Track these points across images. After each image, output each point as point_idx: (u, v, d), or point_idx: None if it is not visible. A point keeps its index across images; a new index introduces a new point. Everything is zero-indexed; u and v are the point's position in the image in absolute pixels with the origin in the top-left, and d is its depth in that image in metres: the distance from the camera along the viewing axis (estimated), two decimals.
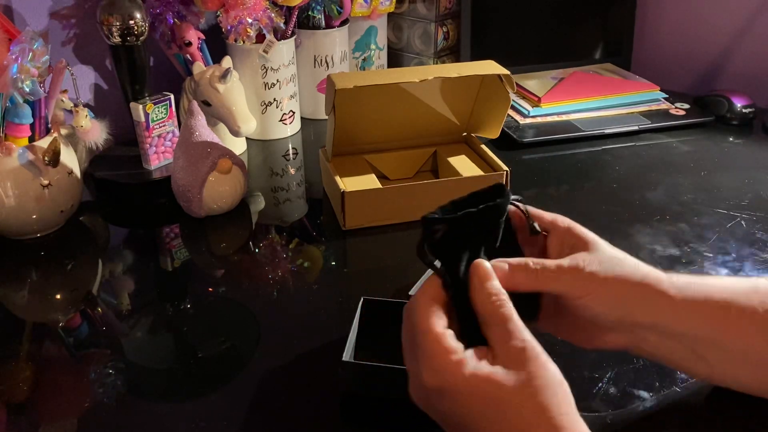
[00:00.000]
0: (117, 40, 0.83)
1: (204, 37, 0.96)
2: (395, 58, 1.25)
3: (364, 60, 1.17)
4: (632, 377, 0.54)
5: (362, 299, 0.57)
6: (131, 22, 0.83)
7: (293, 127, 1.06)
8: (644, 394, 0.52)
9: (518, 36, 1.22)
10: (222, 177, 0.78)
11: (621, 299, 0.44)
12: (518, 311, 0.41)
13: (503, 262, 0.44)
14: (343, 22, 1.08)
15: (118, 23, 0.82)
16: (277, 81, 1.00)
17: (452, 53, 1.23)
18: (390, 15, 1.19)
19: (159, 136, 0.86)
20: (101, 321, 0.64)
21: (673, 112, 1.08)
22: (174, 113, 0.87)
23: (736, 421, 0.47)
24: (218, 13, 0.95)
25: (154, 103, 0.84)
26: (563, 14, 1.22)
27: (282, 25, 0.97)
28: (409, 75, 0.77)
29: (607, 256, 0.45)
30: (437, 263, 0.43)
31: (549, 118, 1.06)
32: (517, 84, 0.99)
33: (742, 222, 0.78)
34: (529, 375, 0.37)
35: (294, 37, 1.02)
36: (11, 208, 0.72)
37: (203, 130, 0.79)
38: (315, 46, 1.06)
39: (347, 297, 0.66)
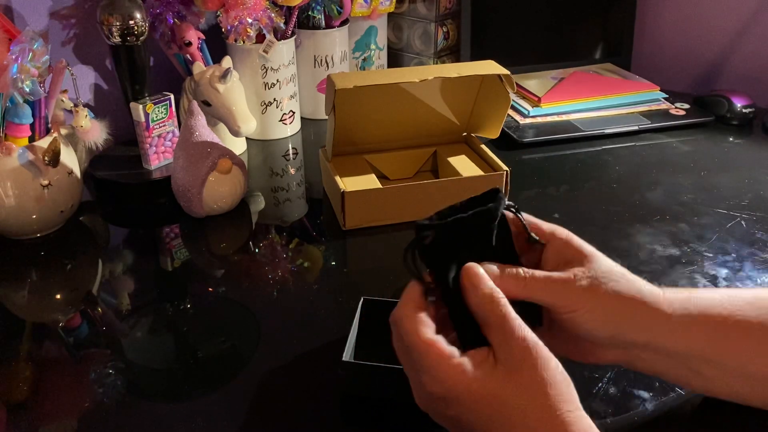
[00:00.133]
0: (117, 40, 0.83)
1: (204, 37, 0.96)
2: (395, 58, 1.25)
3: (364, 60, 1.17)
4: (632, 377, 0.54)
5: (362, 299, 0.57)
6: (131, 22, 0.83)
7: (293, 127, 1.06)
8: (644, 394, 0.52)
9: (518, 36, 1.22)
10: (222, 177, 0.78)
11: (614, 316, 0.43)
12: (521, 316, 0.40)
13: (494, 266, 0.43)
14: (343, 22, 1.08)
15: (118, 23, 0.82)
16: (277, 81, 1.00)
17: (452, 53, 1.23)
18: (390, 15, 1.19)
19: (159, 136, 0.86)
20: (101, 321, 0.64)
21: (673, 112, 1.08)
22: (174, 113, 0.87)
23: (736, 422, 0.47)
24: (218, 13, 0.95)
25: (154, 103, 0.84)
26: (563, 14, 1.22)
27: (282, 25, 0.97)
28: (409, 75, 0.77)
29: (603, 272, 0.43)
30: (421, 269, 0.43)
31: (549, 118, 1.06)
32: (517, 84, 0.99)
33: (742, 222, 0.78)
34: (533, 375, 0.37)
35: (294, 37, 1.02)
36: (11, 208, 0.72)
37: (203, 130, 0.79)
38: (315, 46, 1.06)
39: (347, 297, 0.66)
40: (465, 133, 0.90)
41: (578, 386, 0.39)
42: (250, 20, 0.92)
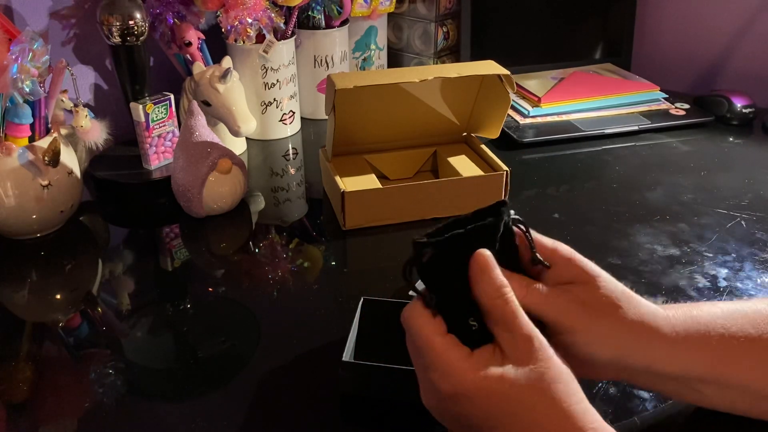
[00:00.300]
0: (117, 40, 0.83)
1: (204, 37, 0.96)
2: (395, 58, 1.25)
3: (364, 60, 1.17)
4: None
5: (362, 299, 0.57)
6: (131, 22, 0.83)
7: (293, 127, 1.06)
8: (644, 394, 0.52)
9: (518, 36, 1.22)
10: (222, 177, 0.78)
11: (614, 341, 0.42)
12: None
13: (498, 276, 0.41)
14: (343, 22, 1.08)
15: (118, 23, 0.82)
16: (277, 81, 1.00)
17: (452, 53, 1.23)
18: (390, 15, 1.19)
19: (159, 136, 0.86)
20: (101, 321, 0.64)
21: (673, 112, 1.08)
22: (174, 113, 0.87)
23: (737, 422, 0.47)
24: (218, 13, 0.95)
25: (154, 103, 0.84)
26: (563, 14, 1.22)
27: (282, 25, 0.97)
28: (409, 75, 0.77)
29: (606, 295, 0.42)
30: (418, 285, 0.42)
31: (549, 118, 1.06)
32: (517, 84, 0.99)
33: (742, 222, 0.78)
34: (539, 369, 0.38)
35: (294, 37, 1.02)
36: (11, 208, 0.72)
37: (203, 130, 0.79)
38: (315, 46, 1.06)
39: (347, 297, 0.66)
40: (465, 133, 0.90)
41: None
42: (250, 20, 0.92)
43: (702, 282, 0.67)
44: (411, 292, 0.63)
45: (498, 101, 0.83)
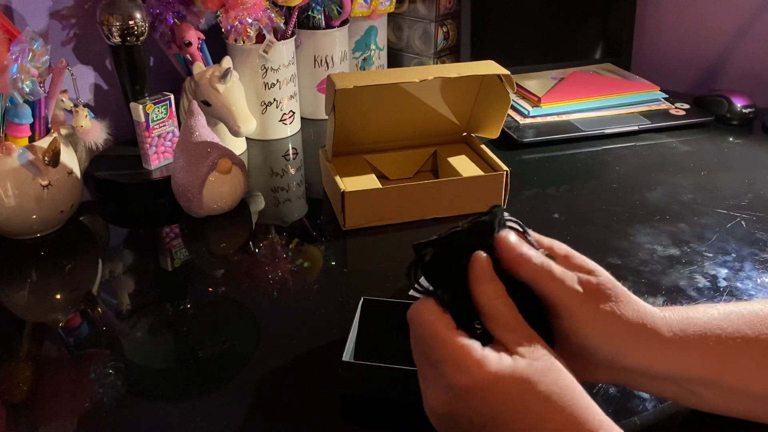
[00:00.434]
0: (117, 40, 0.83)
1: (204, 37, 0.96)
2: (395, 58, 1.25)
3: (364, 60, 1.17)
4: None
5: (362, 299, 0.57)
6: (131, 22, 0.83)
7: (293, 127, 1.06)
8: (644, 394, 0.52)
9: (518, 36, 1.22)
10: (222, 177, 0.78)
11: (614, 338, 0.42)
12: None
13: (518, 242, 0.42)
14: (343, 22, 1.08)
15: (118, 23, 0.82)
16: (277, 81, 1.00)
17: (452, 53, 1.23)
18: (390, 15, 1.19)
19: (159, 136, 0.86)
20: (101, 321, 0.64)
21: (673, 112, 1.08)
22: (174, 113, 0.87)
23: (737, 422, 0.47)
24: (218, 13, 0.95)
25: (154, 103, 0.84)
26: (563, 14, 1.22)
27: (282, 25, 0.97)
28: (409, 75, 0.77)
29: (606, 287, 0.43)
30: (420, 286, 0.43)
31: (549, 118, 1.06)
32: (517, 84, 0.99)
33: (742, 222, 0.78)
34: (547, 364, 0.38)
35: (294, 37, 1.02)
36: (11, 208, 0.72)
37: (203, 130, 0.79)
38: (315, 46, 1.06)
39: (347, 297, 0.66)
40: (465, 133, 0.90)
41: None
42: (250, 20, 0.92)
43: (702, 282, 0.67)
44: (411, 292, 0.63)
45: (498, 101, 0.83)
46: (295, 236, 0.79)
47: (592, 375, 0.45)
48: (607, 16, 1.23)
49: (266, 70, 0.98)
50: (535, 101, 1.07)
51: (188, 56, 0.95)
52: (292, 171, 0.96)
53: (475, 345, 0.39)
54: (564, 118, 1.06)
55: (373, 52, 1.17)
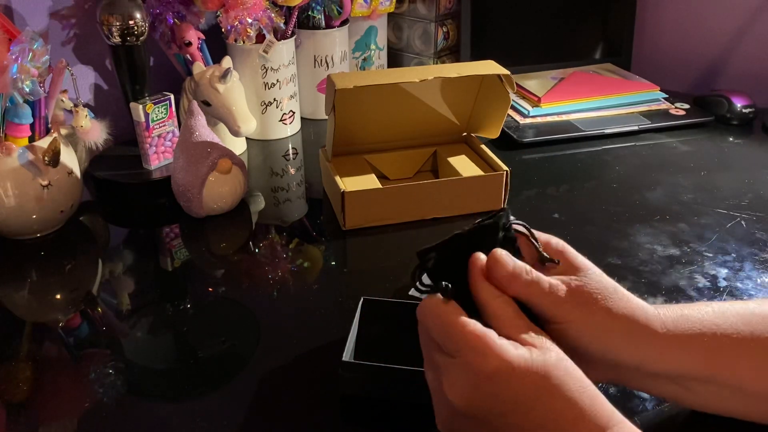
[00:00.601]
0: (117, 40, 0.83)
1: (204, 37, 0.96)
2: (395, 58, 1.25)
3: (364, 60, 1.17)
4: None
5: (362, 299, 0.57)
6: (131, 22, 0.83)
7: (293, 127, 1.06)
8: (644, 394, 0.52)
9: (518, 36, 1.22)
10: (222, 177, 0.78)
11: (605, 334, 0.43)
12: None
13: (510, 259, 0.43)
14: (343, 22, 1.08)
15: (118, 23, 0.82)
16: (277, 81, 1.00)
17: (452, 53, 1.23)
18: (390, 15, 1.19)
19: (159, 136, 0.86)
20: (101, 321, 0.64)
21: (673, 112, 1.08)
22: (174, 113, 0.87)
23: (738, 423, 0.47)
24: (218, 13, 0.95)
25: (154, 103, 0.84)
26: (563, 14, 1.22)
27: (282, 25, 0.97)
28: (409, 75, 0.77)
29: (595, 286, 0.43)
30: (422, 284, 0.43)
31: (549, 118, 1.06)
32: (517, 84, 0.99)
33: (742, 222, 0.78)
34: (557, 354, 0.39)
35: (294, 37, 1.02)
36: (11, 208, 0.72)
37: (203, 130, 0.79)
38: (315, 46, 1.06)
39: (347, 297, 0.66)
40: (465, 133, 0.90)
41: None
42: (250, 20, 0.92)
43: (702, 282, 0.67)
44: (411, 292, 0.64)
45: (498, 101, 0.83)
46: (295, 236, 0.78)
47: (585, 373, 0.45)
48: (607, 16, 1.23)
49: (266, 70, 0.98)
50: (535, 101, 1.07)
51: (188, 56, 0.95)
52: (292, 171, 0.96)
53: (493, 333, 0.39)
54: (564, 118, 1.06)
55: (373, 52, 1.17)
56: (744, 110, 1.05)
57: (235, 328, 0.63)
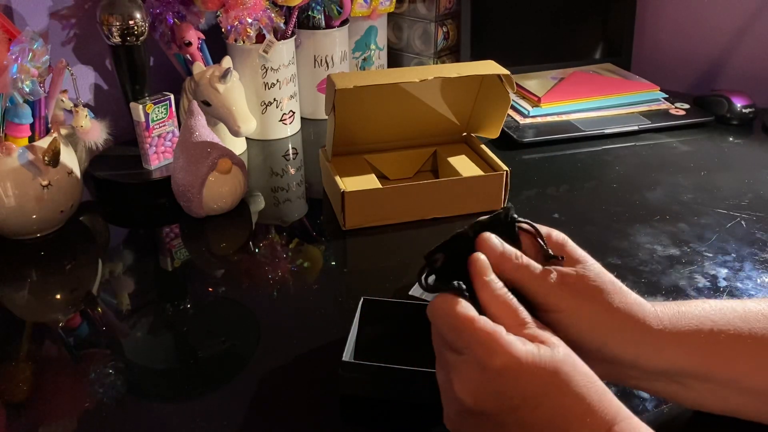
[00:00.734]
0: (117, 40, 0.83)
1: (204, 37, 0.96)
2: (395, 58, 1.25)
3: (364, 60, 1.17)
4: None
5: (362, 299, 0.57)
6: (131, 22, 0.83)
7: (293, 127, 1.06)
8: (644, 394, 0.52)
9: (518, 36, 1.22)
10: (222, 177, 0.78)
11: (601, 327, 0.43)
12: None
13: (499, 243, 0.44)
14: (343, 22, 1.08)
15: (118, 23, 0.82)
16: (277, 81, 1.00)
17: (452, 53, 1.23)
18: (390, 15, 1.19)
19: (159, 136, 0.86)
20: (101, 321, 0.64)
21: (673, 112, 1.08)
22: (174, 113, 0.87)
23: (738, 423, 0.47)
24: (218, 13, 0.95)
25: (154, 103, 0.84)
26: (563, 14, 1.22)
27: (282, 25, 0.97)
28: (409, 75, 0.77)
29: (592, 279, 0.43)
30: (414, 290, 0.44)
31: (549, 118, 1.06)
32: (517, 84, 0.99)
33: (742, 222, 0.78)
34: (564, 349, 0.39)
35: (294, 37, 1.02)
36: (11, 208, 0.72)
37: (203, 130, 0.79)
38: (315, 46, 1.06)
39: (347, 297, 0.66)
40: (465, 133, 0.90)
41: None
42: (250, 20, 0.92)
43: (702, 282, 0.67)
44: (411, 292, 0.64)
45: (498, 101, 0.83)
46: (295, 236, 0.78)
47: None
48: (607, 16, 1.23)
49: (266, 70, 0.98)
50: (535, 101, 1.07)
51: (188, 56, 0.95)
52: (292, 171, 0.96)
53: (501, 329, 0.39)
54: (564, 118, 1.06)
55: (373, 52, 1.17)
56: (744, 110, 1.05)
57: (235, 328, 0.63)
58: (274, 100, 1.01)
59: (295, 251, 0.75)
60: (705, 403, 0.46)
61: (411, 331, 0.53)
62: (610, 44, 1.25)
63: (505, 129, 1.00)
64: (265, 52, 0.96)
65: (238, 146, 0.98)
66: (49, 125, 0.76)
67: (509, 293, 0.42)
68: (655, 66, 1.26)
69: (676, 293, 0.65)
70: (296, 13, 1.01)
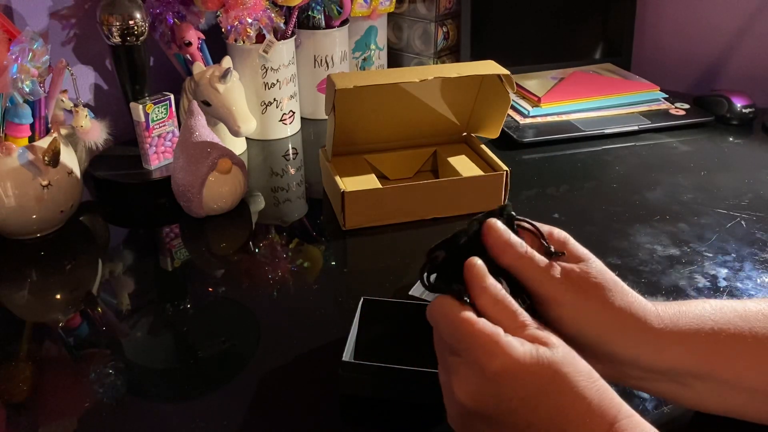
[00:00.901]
0: (117, 40, 0.84)
1: (204, 37, 0.96)
2: (395, 58, 1.25)
3: (364, 60, 1.17)
4: None
5: (362, 299, 0.57)
6: (131, 22, 0.83)
7: (293, 127, 1.06)
8: (644, 394, 0.52)
9: (518, 36, 1.22)
10: (222, 177, 0.78)
11: (599, 323, 0.43)
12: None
13: (505, 230, 0.44)
14: (343, 22, 1.08)
15: (118, 23, 0.82)
16: (277, 81, 1.00)
17: (452, 53, 1.23)
18: (390, 15, 1.19)
19: (159, 136, 0.86)
20: (101, 321, 0.64)
21: (673, 112, 1.08)
22: (174, 113, 0.87)
23: (739, 423, 0.47)
24: (218, 13, 0.95)
25: (154, 103, 0.84)
26: (563, 14, 1.22)
27: (282, 25, 0.97)
28: (409, 75, 0.77)
29: (594, 276, 0.43)
30: (415, 290, 0.44)
31: (549, 118, 1.06)
32: (517, 84, 0.99)
33: (742, 222, 0.78)
34: (564, 349, 0.39)
35: (294, 37, 1.02)
36: (11, 208, 0.72)
37: (203, 130, 0.79)
38: (315, 46, 1.06)
39: (347, 297, 0.66)
40: (465, 133, 0.90)
41: None
42: (250, 20, 0.92)
43: (702, 282, 0.67)
44: (411, 292, 0.64)
45: (498, 101, 0.83)
46: (295, 236, 0.78)
47: None
48: (607, 16, 1.23)
49: (266, 70, 0.98)
50: (535, 101, 1.07)
51: (188, 56, 0.95)
52: (292, 171, 0.96)
53: (500, 331, 0.39)
54: (564, 118, 1.06)
55: (373, 52, 1.17)
56: (744, 110, 1.05)
57: (235, 328, 0.63)
58: (274, 100, 1.01)
59: (295, 251, 0.75)
60: (705, 403, 0.46)
61: (411, 331, 0.53)
62: (610, 44, 1.25)
63: (505, 129, 1.00)
64: (265, 52, 0.96)
65: (238, 146, 0.98)
66: (49, 125, 0.76)
67: (508, 296, 0.42)
68: (655, 66, 1.26)
69: (676, 293, 0.65)
70: (296, 13, 1.01)
